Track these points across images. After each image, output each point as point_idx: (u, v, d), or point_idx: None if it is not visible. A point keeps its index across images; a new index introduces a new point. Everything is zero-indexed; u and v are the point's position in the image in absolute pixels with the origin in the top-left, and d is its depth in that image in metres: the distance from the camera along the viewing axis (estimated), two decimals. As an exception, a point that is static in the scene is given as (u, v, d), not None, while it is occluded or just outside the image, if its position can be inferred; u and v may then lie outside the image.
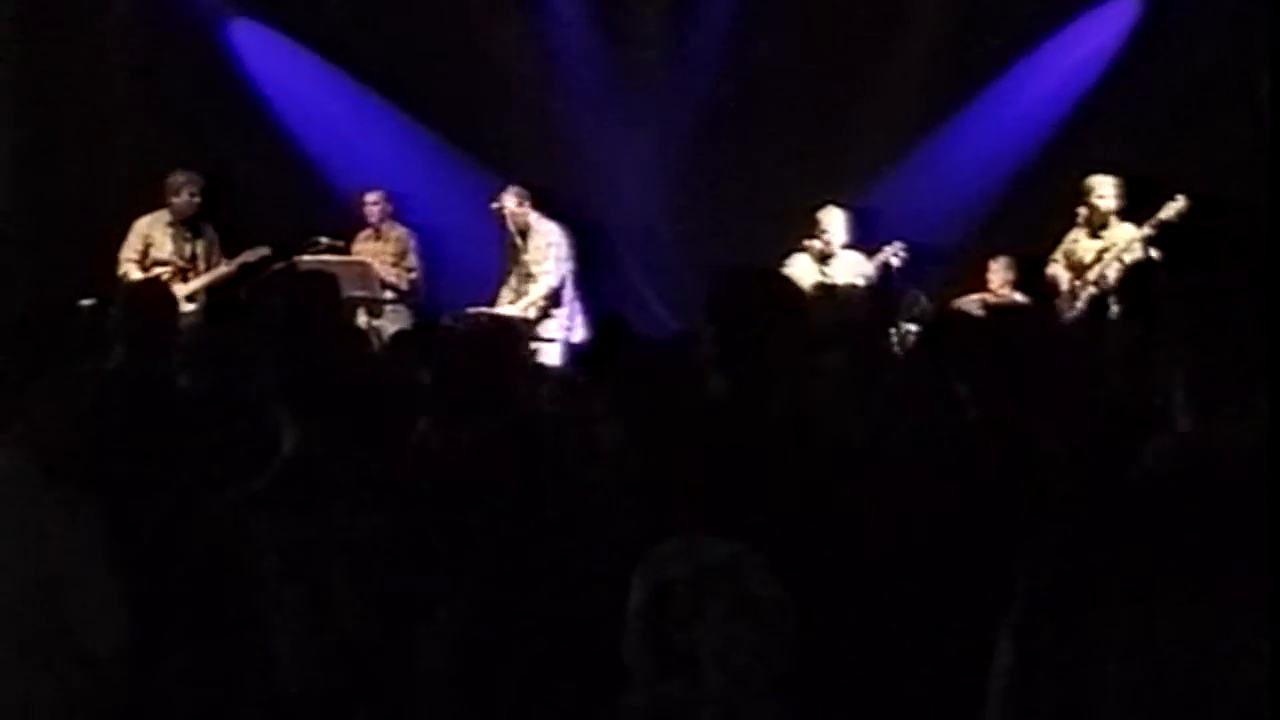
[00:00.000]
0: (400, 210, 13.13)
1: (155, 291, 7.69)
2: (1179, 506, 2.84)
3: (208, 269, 12.34)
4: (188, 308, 11.63)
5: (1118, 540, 2.86)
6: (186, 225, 12.39)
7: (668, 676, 3.27)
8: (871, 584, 4.06)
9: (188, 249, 12.37)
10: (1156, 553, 2.83)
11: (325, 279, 7.34)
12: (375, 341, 10.41)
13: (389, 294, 12.61)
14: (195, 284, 12.22)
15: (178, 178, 12.38)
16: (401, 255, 12.94)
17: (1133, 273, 9.53)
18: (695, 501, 4.10)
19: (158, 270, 12.06)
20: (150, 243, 12.34)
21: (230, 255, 12.34)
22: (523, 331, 11.40)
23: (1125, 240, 11.52)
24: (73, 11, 13.16)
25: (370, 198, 12.99)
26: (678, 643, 3.26)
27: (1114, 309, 10.58)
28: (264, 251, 12.16)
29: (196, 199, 12.38)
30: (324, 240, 12.37)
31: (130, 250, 12.30)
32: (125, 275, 12.03)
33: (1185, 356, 2.96)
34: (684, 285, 12.28)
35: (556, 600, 4.33)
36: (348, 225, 12.92)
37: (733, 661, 3.25)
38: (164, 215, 12.39)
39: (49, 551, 4.33)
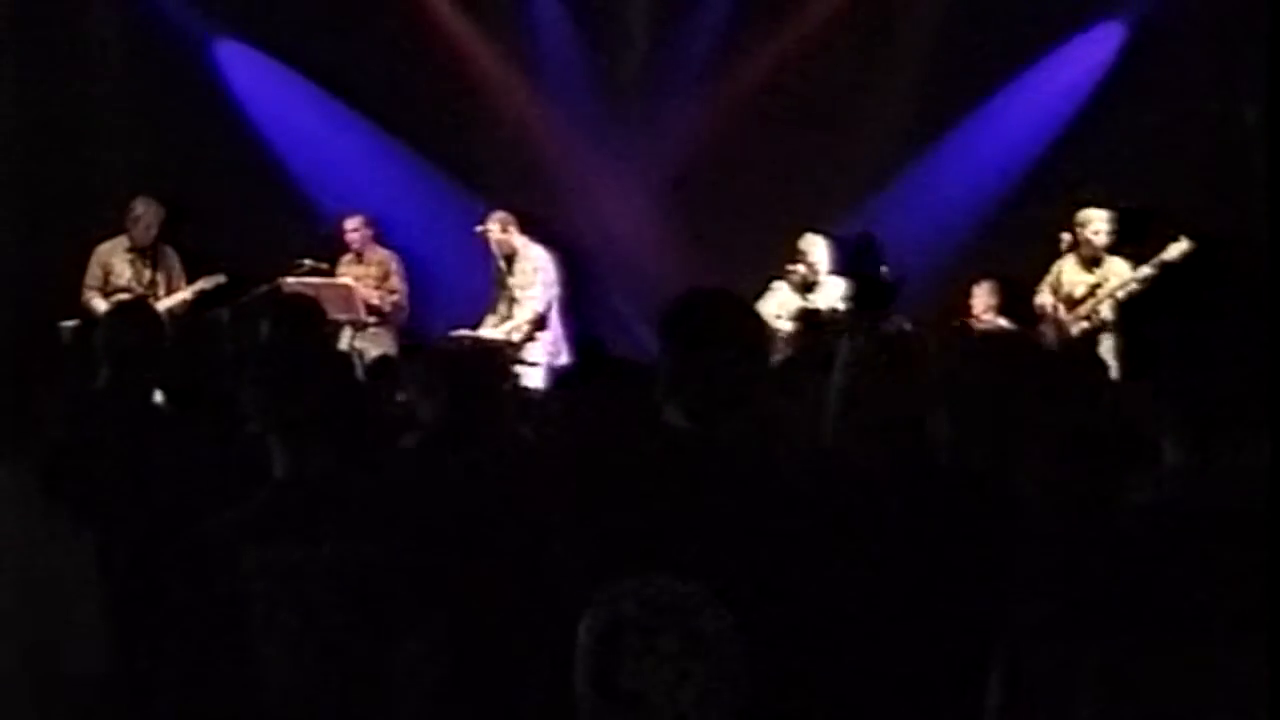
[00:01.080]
0: (388, 233, 13.12)
1: (140, 312, 7.65)
2: (1173, 545, 2.84)
3: (168, 295, 12.30)
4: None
5: (1110, 579, 2.85)
6: (145, 251, 12.41)
7: (618, 713, 3.25)
8: (844, 620, 4.03)
9: (146, 275, 12.37)
10: (1150, 592, 2.82)
11: (309, 302, 7.34)
12: (358, 364, 10.41)
13: (372, 317, 12.62)
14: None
15: (136, 205, 12.39)
16: (384, 278, 12.93)
17: (1130, 310, 9.49)
18: (649, 535, 4.04)
19: (118, 298, 11.91)
20: (109, 270, 12.37)
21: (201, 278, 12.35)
22: (506, 355, 11.38)
23: (1120, 279, 11.46)
24: (56, 32, 13.14)
25: (350, 223, 12.98)
26: (628, 680, 3.25)
27: (1106, 345, 10.64)
28: (220, 279, 12.19)
29: (153, 229, 12.39)
30: (308, 262, 12.39)
31: (90, 277, 12.35)
32: (88, 302, 12.12)
33: (1182, 392, 2.95)
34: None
35: (524, 629, 4.30)
36: (333, 248, 12.92)
37: (683, 699, 3.24)
38: (123, 241, 12.42)
39: (37, 573, 4.32)
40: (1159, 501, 2.95)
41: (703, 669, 3.23)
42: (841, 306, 11.68)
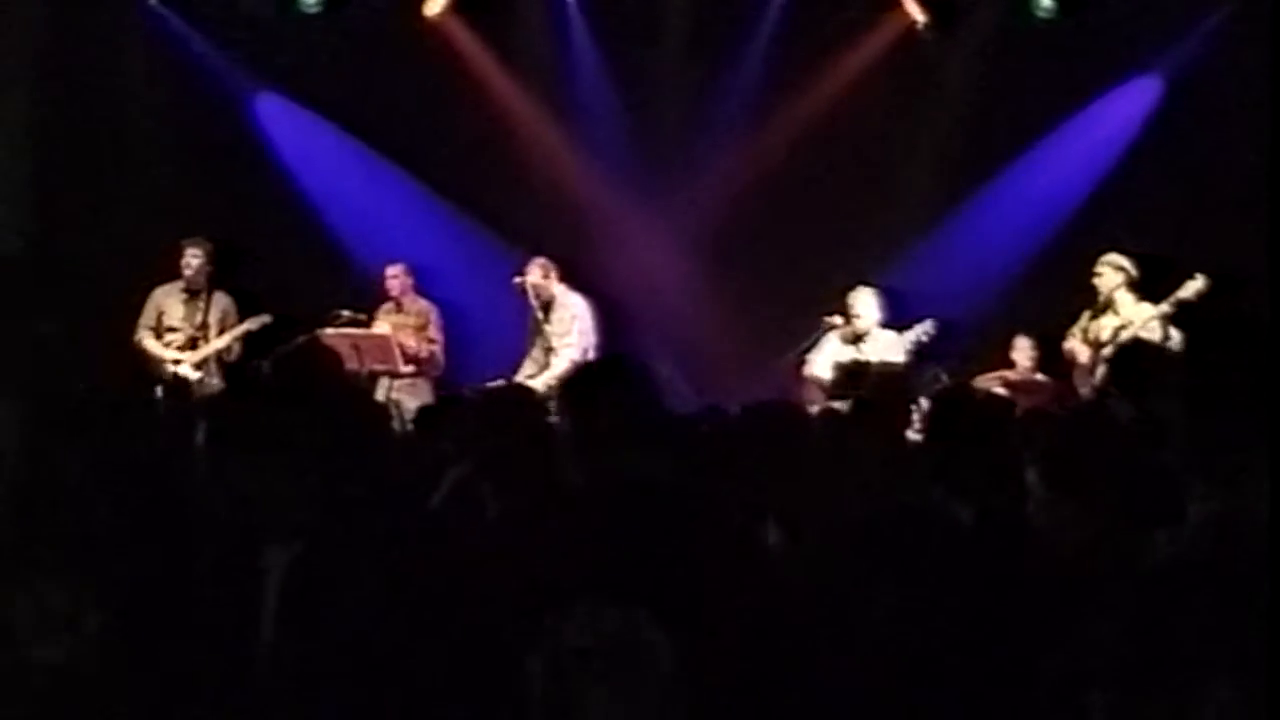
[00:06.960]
0: (425, 284, 13.16)
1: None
2: (1191, 590, 2.84)
3: (219, 337, 12.71)
4: (194, 375, 12.50)
5: (1130, 624, 2.86)
6: (198, 295, 12.85)
7: None
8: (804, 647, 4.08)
9: (198, 317, 12.81)
10: (1166, 637, 2.83)
11: (327, 354, 7.38)
12: (395, 415, 10.44)
13: (410, 367, 12.67)
14: (202, 352, 12.59)
15: (188, 248, 12.81)
16: (422, 328, 12.98)
17: (1141, 351, 9.51)
18: (597, 570, 4.12)
19: (170, 338, 12.68)
20: (163, 310, 12.86)
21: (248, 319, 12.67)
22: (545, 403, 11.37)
23: (1142, 318, 11.54)
24: (98, 86, 13.26)
25: (391, 271, 13.05)
26: (576, 709, 3.27)
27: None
28: (265, 319, 12.54)
29: (207, 269, 12.83)
30: (346, 313, 12.47)
31: (145, 317, 12.85)
32: (140, 341, 12.73)
33: (1202, 438, 2.96)
34: (707, 360, 12.34)
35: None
36: (371, 299, 12.97)
37: None
38: (178, 284, 12.89)
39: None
40: (1176, 547, 2.96)
41: (650, 693, 3.25)
42: (891, 358, 11.79)
